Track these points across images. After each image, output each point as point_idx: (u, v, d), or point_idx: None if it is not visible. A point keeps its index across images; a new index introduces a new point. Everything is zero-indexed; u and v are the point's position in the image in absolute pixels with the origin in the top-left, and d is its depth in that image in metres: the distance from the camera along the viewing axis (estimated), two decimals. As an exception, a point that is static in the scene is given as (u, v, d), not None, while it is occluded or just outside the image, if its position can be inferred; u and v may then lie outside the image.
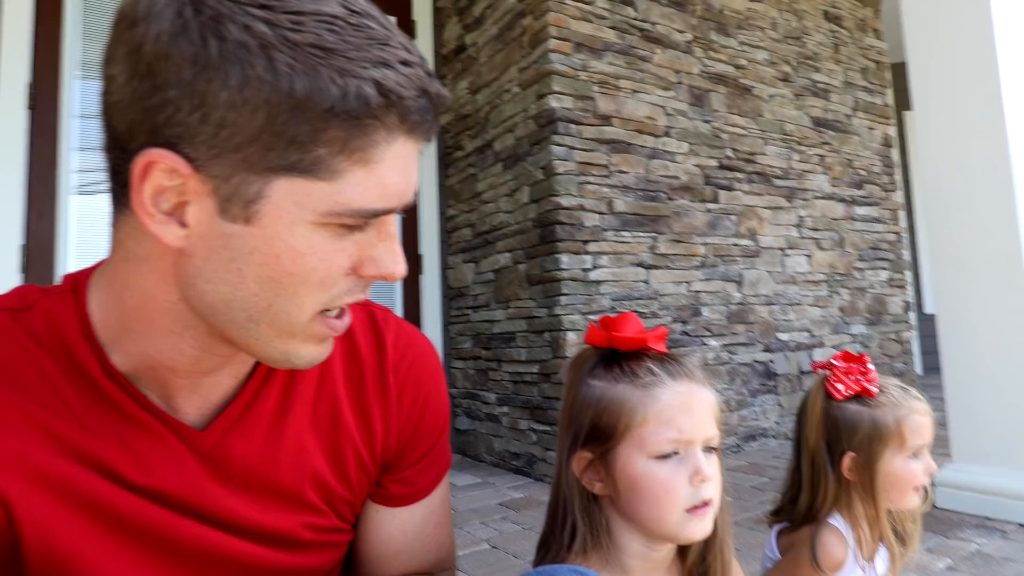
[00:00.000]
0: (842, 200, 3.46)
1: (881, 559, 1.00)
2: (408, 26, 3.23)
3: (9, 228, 2.23)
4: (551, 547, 0.71)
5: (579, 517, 0.68)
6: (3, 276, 2.22)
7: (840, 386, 0.98)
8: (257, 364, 0.59)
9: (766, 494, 2.15)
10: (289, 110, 0.43)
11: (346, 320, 0.53)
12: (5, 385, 0.50)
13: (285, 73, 0.42)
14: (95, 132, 2.02)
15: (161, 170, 0.44)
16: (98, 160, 2.33)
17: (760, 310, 3.04)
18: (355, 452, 0.63)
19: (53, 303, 0.53)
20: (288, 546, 0.60)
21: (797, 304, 3.19)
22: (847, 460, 0.96)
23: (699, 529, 0.66)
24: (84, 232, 2.39)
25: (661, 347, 0.71)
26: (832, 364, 1.01)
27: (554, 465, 0.74)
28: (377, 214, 0.48)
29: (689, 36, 2.94)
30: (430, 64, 0.56)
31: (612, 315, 0.72)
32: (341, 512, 0.64)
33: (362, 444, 0.63)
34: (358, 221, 0.47)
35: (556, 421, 2.39)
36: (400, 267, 0.51)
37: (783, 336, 3.11)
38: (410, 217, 3.15)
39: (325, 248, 0.47)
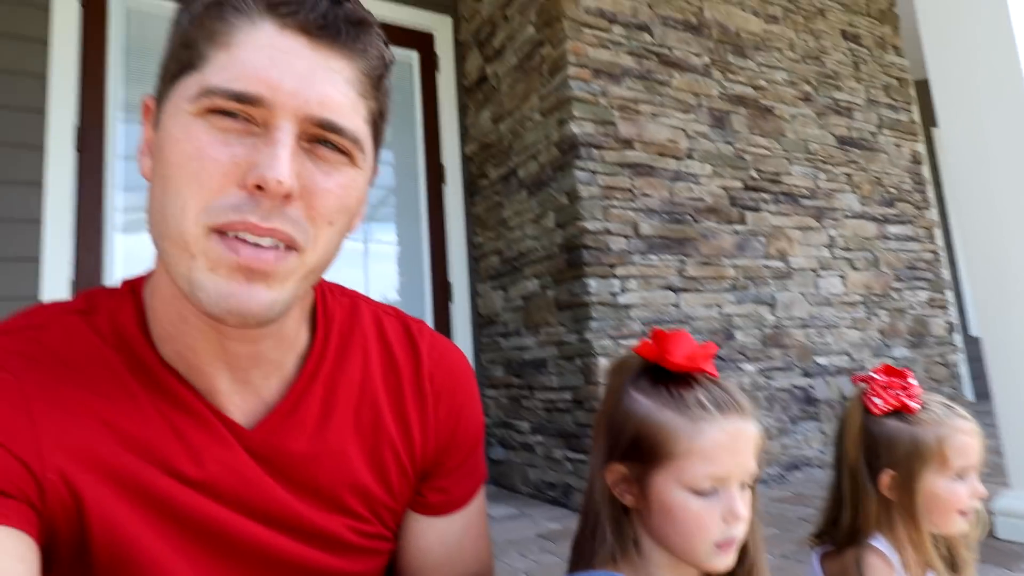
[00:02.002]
0: (874, 219, 3.40)
1: (930, 583, 0.95)
2: (431, 60, 3.31)
3: (60, 264, 2.32)
4: (584, 551, 0.70)
5: (608, 527, 0.68)
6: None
7: (878, 400, 0.95)
8: (303, 367, 0.60)
9: (812, 525, 2.07)
10: (188, 21, 0.49)
11: (256, 254, 0.47)
12: (75, 381, 0.51)
13: None
14: (137, 172, 2.10)
15: (146, 112, 0.54)
16: (141, 199, 2.43)
17: (796, 333, 2.97)
18: (396, 458, 0.63)
19: (115, 304, 0.56)
20: (336, 548, 0.60)
21: (834, 326, 3.11)
22: (885, 478, 0.93)
23: (724, 562, 0.66)
24: (129, 267, 2.47)
25: (711, 369, 0.70)
26: (871, 377, 0.98)
27: (588, 466, 0.72)
28: (237, 97, 0.46)
29: (707, 59, 2.96)
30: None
31: (665, 330, 0.70)
32: (384, 519, 0.64)
33: (403, 450, 0.64)
34: (227, 105, 0.46)
35: (591, 450, 2.35)
36: (273, 170, 0.45)
37: (821, 360, 3.03)
38: (439, 245, 3.19)
39: (201, 137, 0.47)
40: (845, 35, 3.55)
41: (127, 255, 2.49)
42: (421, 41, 3.31)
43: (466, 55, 3.35)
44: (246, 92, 0.46)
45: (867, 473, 0.95)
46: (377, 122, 0.55)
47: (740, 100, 3.03)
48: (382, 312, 0.69)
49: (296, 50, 0.48)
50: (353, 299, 0.68)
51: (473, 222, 3.27)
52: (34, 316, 0.54)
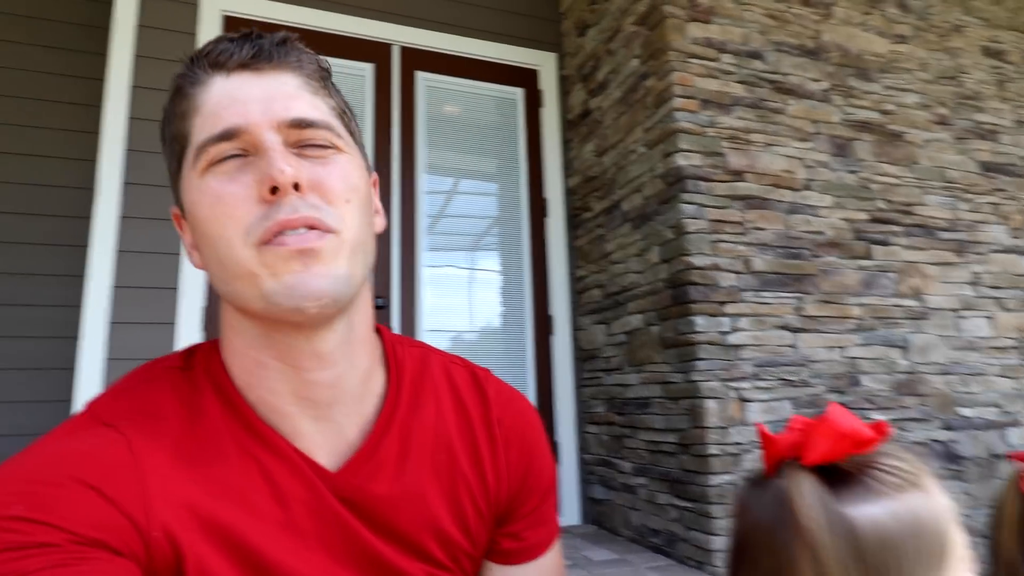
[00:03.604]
0: (1027, 252, 3.03)
1: None
2: (536, 96, 3.36)
3: (191, 327, 2.51)
4: None
5: None
6: (190, 337, 2.51)
7: (1041, 480, 0.80)
8: (380, 411, 0.62)
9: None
10: (165, 124, 0.60)
11: (300, 239, 0.52)
12: (175, 434, 0.54)
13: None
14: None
15: (177, 220, 0.62)
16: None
17: (934, 380, 2.67)
18: (473, 501, 0.64)
19: (204, 356, 0.61)
20: None
21: (980, 374, 2.77)
22: (1055, 574, 0.77)
23: None
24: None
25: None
26: (1026, 457, 0.83)
27: None
28: (222, 137, 0.54)
29: (826, 84, 2.79)
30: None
31: (793, 427, 0.51)
32: (464, 566, 0.64)
33: (479, 493, 0.65)
34: (219, 149, 0.54)
35: (698, 497, 2.22)
36: (273, 169, 0.52)
37: (966, 412, 2.70)
38: (540, 278, 3.18)
39: (213, 186, 0.54)
40: (987, 52, 3.24)
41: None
42: (525, 78, 3.37)
43: (570, 90, 3.37)
44: (227, 128, 0.53)
45: (1032, 565, 0.80)
46: (343, 116, 0.61)
47: (865, 126, 2.82)
48: (449, 361, 0.72)
49: (246, 81, 0.56)
50: (423, 349, 0.72)
51: (575, 255, 3.24)
52: (144, 372, 0.60)
